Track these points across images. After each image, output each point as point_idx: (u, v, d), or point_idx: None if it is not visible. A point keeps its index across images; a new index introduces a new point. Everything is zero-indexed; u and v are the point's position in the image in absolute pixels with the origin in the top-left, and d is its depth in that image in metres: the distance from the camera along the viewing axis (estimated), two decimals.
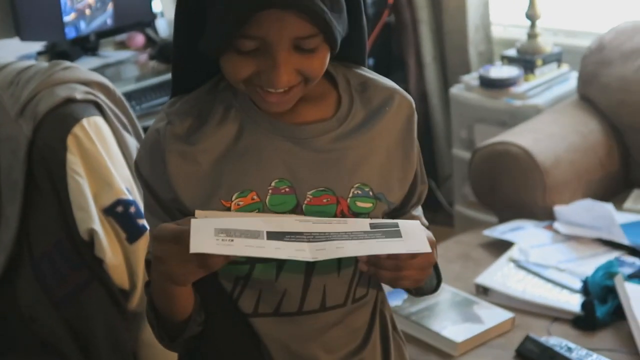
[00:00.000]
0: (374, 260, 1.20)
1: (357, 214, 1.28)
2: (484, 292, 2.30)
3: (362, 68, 1.37)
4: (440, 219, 3.83)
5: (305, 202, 1.25)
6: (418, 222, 1.25)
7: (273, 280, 1.27)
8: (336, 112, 1.30)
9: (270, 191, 1.25)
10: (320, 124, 1.29)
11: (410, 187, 1.37)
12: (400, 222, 1.21)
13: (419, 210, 1.43)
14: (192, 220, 1.11)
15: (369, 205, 1.29)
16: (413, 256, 1.20)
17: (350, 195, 1.28)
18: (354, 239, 1.17)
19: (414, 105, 1.35)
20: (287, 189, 1.25)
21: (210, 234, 1.09)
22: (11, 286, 1.99)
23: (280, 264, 1.26)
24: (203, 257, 1.11)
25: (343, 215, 1.27)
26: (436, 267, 1.36)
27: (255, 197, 1.24)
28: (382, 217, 1.31)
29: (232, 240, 1.10)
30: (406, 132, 1.34)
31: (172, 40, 1.32)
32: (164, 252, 1.14)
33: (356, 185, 1.28)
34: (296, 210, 1.25)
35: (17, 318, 1.99)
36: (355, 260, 1.28)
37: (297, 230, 1.15)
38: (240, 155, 1.25)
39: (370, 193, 1.29)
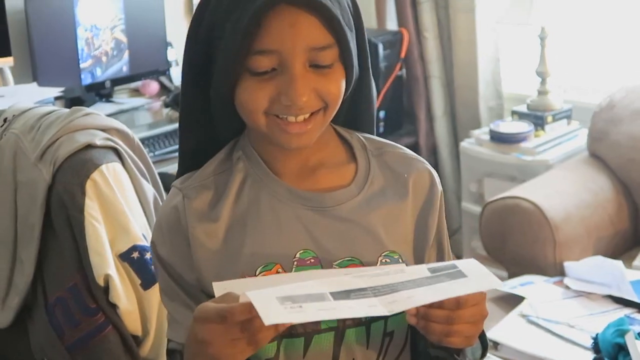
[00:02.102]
0: (423, 313, 1.13)
1: None
2: (494, 346, 2.29)
3: (375, 136, 1.36)
4: None
5: None
6: (474, 259, 1.19)
7: (301, 357, 1.22)
8: (354, 178, 1.28)
9: (295, 263, 1.21)
10: (340, 191, 1.26)
11: (438, 258, 1.33)
12: (456, 262, 1.16)
13: None
14: (249, 294, 1.02)
15: None
16: (463, 307, 1.13)
17: (378, 264, 1.24)
18: (420, 286, 1.10)
19: (434, 175, 1.33)
20: (312, 260, 1.22)
21: (275, 304, 1.01)
22: (24, 329, 1.99)
23: (307, 340, 1.21)
24: (252, 333, 1.04)
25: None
26: (482, 336, 1.26)
27: (280, 270, 1.20)
28: None
29: (301, 307, 1.02)
30: (428, 201, 1.31)
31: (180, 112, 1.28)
32: (210, 333, 1.05)
33: (384, 253, 1.25)
34: None
35: None
36: (383, 331, 1.24)
37: (359, 287, 1.09)
38: (261, 227, 1.23)
39: (400, 260, 1.26)
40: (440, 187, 1.33)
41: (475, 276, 1.13)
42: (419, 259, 1.30)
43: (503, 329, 2.33)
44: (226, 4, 1.16)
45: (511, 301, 2.50)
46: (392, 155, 1.32)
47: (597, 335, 2.23)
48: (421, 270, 1.14)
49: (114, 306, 1.86)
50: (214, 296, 1.18)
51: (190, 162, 1.30)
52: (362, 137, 1.33)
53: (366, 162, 1.30)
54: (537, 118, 3.35)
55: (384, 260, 1.25)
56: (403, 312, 1.14)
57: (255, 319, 1.01)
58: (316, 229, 1.24)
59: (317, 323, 1.21)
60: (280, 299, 1.02)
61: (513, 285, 2.58)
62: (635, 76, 3.23)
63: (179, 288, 1.24)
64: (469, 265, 1.16)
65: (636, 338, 2.16)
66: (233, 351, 1.05)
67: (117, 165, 1.89)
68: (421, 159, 1.34)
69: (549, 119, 3.35)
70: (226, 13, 1.16)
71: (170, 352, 1.27)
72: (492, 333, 2.31)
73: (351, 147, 1.31)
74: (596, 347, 2.21)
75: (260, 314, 0.99)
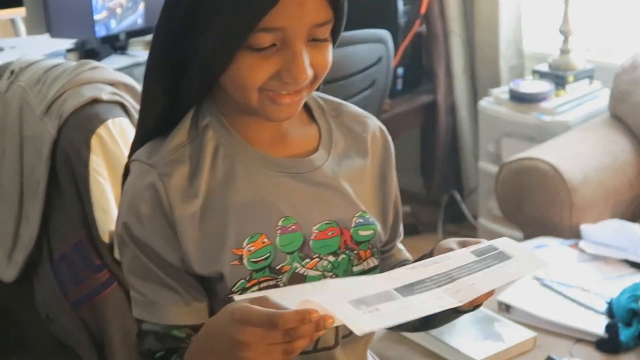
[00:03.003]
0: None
1: (359, 243, 1.26)
2: (506, 309, 2.26)
3: (326, 95, 1.36)
4: (464, 232, 3.80)
5: (312, 237, 1.23)
6: (506, 238, 1.20)
7: None
8: (319, 140, 1.28)
9: (279, 231, 1.21)
10: (313, 156, 1.26)
11: (394, 216, 1.37)
12: (492, 242, 1.17)
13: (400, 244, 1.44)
14: (323, 302, 0.98)
15: (370, 232, 1.28)
16: None
17: (353, 225, 1.26)
18: (474, 272, 1.10)
19: (385, 131, 1.36)
20: (293, 227, 1.22)
21: (352, 310, 0.98)
22: (29, 285, 1.98)
23: None
24: (291, 341, 0.98)
25: (346, 246, 1.25)
26: None
27: (265, 239, 1.20)
28: (379, 245, 1.30)
29: (378, 309, 0.99)
30: (385, 158, 1.34)
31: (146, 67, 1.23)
32: (251, 336, 0.99)
33: (358, 214, 1.27)
34: (304, 247, 1.22)
35: (34, 317, 1.98)
36: None
37: (418, 279, 1.07)
38: (241, 198, 1.20)
39: (370, 219, 1.28)
40: (391, 141, 1.36)
41: (520, 257, 1.15)
42: (384, 217, 1.34)
43: (516, 292, 2.31)
44: None
45: None
46: (347, 116, 1.33)
47: (611, 300, 2.20)
48: (466, 256, 1.14)
49: (119, 263, 1.84)
50: (199, 275, 1.19)
51: (150, 132, 1.24)
52: (318, 98, 1.33)
53: (326, 124, 1.31)
54: (558, 78, 3.29)
55: (357, 221, 1.27)
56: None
57: (301, 326, 0.97)
58: (294, 195, 1.23)
59: None
60: (353, 303, 0.99)
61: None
62: None
63: (157, 269, 1.20)
64: (506, 245, 1.17)
65: None
66: (268, 358, 1.01)
67: (124, 121, 1.85)
68: (371, 116, 1.36)
69: (570, 78, 3.28)
70: None
71: (144, 333, 1.24)
72: (505, 296, 2.29)
73: (309, 109, 1.31)
74: (610, 312, 2.18)
75: (349, 325, 0.96)
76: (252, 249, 1.19)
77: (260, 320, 0.98)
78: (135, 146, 1.26)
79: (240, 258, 1.19)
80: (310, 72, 1.15)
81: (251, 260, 1.19)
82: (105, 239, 1.82)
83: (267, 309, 1.00)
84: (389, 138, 1.36)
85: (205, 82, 1.19)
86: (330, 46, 1.19)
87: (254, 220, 1.20)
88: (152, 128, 1.24)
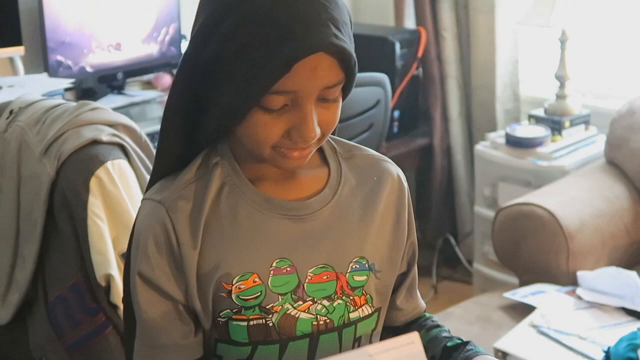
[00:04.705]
0: None
1: (354, 288, 1.27)
2: (503, 357, 2.25)
3: (342, 139, 1.37)
4: (458, 276, 3.79)
5: (307, 280, 1.24)
6: None
7: None
8: (327, 181, 1.29)
9: (272, 272, 1.22)
10: (315, 198, 1.27)
11: (407, 263, 1.37)
12: None
13: (416, 294, 1.42)
14: None
15: (364, 278, 1.28)
16: None
17: (349, 270, 1.27)
18: None
19: (401, 175, 1.36)
20: (288, 269, 1.23)
21: None
22: (24, 327, 1.95)
23: (282, 347, 1.23)
24: None
25: (342, 291, 1.26)
26: None
27: (257, 279, 1.22)
28: (375, 289, 1.30)
29: None
30: (398, 201, 1.33)
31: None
32: None
33: (355, 259, 1.27)
34: (298, 289, 1.23)
35: None
36: (353, 336, 1.28)
37: None
38: (238, 236, 1.23)
39: (366, 265, 1.28)
40: (407, 185, 1.36)
41: None
42: (394, 261, 1.33)
43: (512, 339, 2.29)
44: (242, 38, 1.12)
45: (522, 310, 2.46)
46: (361, 158, 1.34)
47: (609, 348, 2.19)
48: None
49: (115, 307, 1.82)
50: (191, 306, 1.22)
51: (166, 171, 1.27)
52: (331, 141, 1.34)
53: (337, 165, 1.31)
54: (554, 122, 3.30)
55: (354, 266, 1.27)
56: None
57: None
58: (292, 237, 1.24)
59: (293, 330, 1.23)
60: None
61: (524, 294, 2.53)
62: None
63: (183, 309, 1.24)
64: None
65: None
66: None
67: (123, 162, 1.85)
68: (387, 159, 1.37)
69: (567, 123, 3.29)
70: (242, 48, 1.12)
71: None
72: (502, 343, 2.27)
73: (322, 151, 1.32)
74: None
75: None
76: (242, 286, 1.21)
77: None
78: (150, 185, 1.29)
79: (229, 292, 1.21)
80: (318, 131, 1.17)
81: (240, 297, 1.21)
82: (102, 282, 1.80)
83: None
84: (405, 181, 1.36)
85: (220, 131, 1.23)
86: (339, 104, 1.21)
87: (248, 260, 1.22)
88: (168, 167, 1.27)
